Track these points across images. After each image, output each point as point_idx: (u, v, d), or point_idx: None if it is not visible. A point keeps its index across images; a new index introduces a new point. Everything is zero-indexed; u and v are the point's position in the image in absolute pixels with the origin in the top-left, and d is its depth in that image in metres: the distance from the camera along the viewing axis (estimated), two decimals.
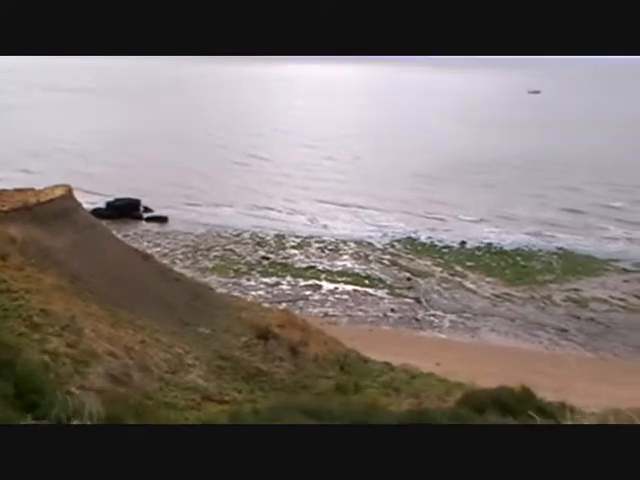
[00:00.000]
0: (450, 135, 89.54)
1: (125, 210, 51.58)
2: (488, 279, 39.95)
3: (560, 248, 44.47)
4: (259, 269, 42.05)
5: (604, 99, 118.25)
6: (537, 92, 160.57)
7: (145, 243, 45.03)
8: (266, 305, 30.65)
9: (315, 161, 72.86)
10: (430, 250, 45.15)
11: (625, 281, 39.08)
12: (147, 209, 53.30)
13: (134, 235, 47.03)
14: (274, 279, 40.37)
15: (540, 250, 44.36)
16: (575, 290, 37.94)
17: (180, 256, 43.60)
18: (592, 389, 23.08)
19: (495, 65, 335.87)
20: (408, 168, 67.47)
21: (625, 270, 40.61)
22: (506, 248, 44.96)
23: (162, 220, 51.52)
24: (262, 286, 39.38)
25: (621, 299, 36.67)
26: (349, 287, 39.26)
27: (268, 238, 47.91)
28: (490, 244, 45.73)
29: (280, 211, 54.26)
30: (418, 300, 37.32)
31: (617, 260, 42.06)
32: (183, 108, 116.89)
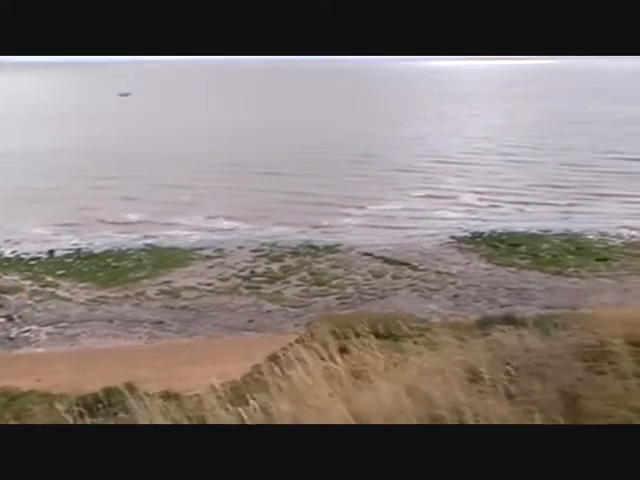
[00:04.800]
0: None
1: None
2: (81, 285, 39.65)
3: (148, 244, 46.01)
4: None
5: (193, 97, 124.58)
6: (128, 94, 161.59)
7: None
8: None
9: None
10: (17, 264, 42.90)
11: (210, 267, 42.28)
12: None
13: None
14: None
15: (129, 249, 45.27)
16: (167, 282, 39.87)
17: None
18: (195, 371, 24.73)
19: (87, 66, 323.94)
20: None
21: (208, 257, 43.88)
22: (96, 252, 44.85)
23: None
24: None
25: (208, 284, 39.66)
26: None
27: None
28: (79, 249, 45.19)
29: None
30: (10, 318, 35.47)
31: (200, 249, 45.18)
32: None
